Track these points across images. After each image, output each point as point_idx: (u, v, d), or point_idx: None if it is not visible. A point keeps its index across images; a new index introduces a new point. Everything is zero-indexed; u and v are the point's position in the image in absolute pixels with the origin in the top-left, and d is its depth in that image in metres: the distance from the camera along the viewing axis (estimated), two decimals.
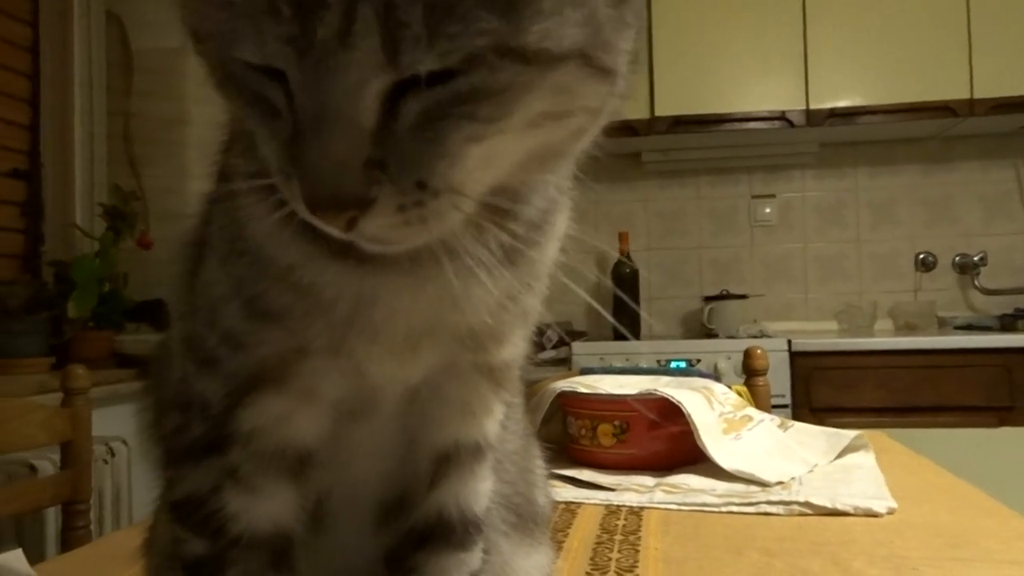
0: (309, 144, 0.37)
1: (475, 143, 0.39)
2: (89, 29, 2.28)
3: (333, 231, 0.39)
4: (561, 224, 0.52)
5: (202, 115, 2.41)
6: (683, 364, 2.64)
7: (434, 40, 0.35)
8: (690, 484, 1.00)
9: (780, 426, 1.19)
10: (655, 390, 1.08)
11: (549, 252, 0.52)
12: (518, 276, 0.49)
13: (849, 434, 1.17)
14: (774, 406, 1.85)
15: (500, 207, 0.44)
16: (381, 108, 0.37)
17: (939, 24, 2.80)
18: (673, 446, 1.08)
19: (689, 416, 1.03)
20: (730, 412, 1.11)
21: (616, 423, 1.09)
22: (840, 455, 1.12)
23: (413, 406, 0.55)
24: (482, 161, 0.40)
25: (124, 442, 1.89)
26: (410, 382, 0.53)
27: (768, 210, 3.30)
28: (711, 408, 1.08)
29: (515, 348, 0.55)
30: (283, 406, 0.50)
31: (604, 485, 1.02)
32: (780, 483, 0.99)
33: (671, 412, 1.05)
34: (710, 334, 2.98)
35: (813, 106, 2.86)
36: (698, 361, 2.66)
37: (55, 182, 2.26)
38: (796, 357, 2.59)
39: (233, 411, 0.50)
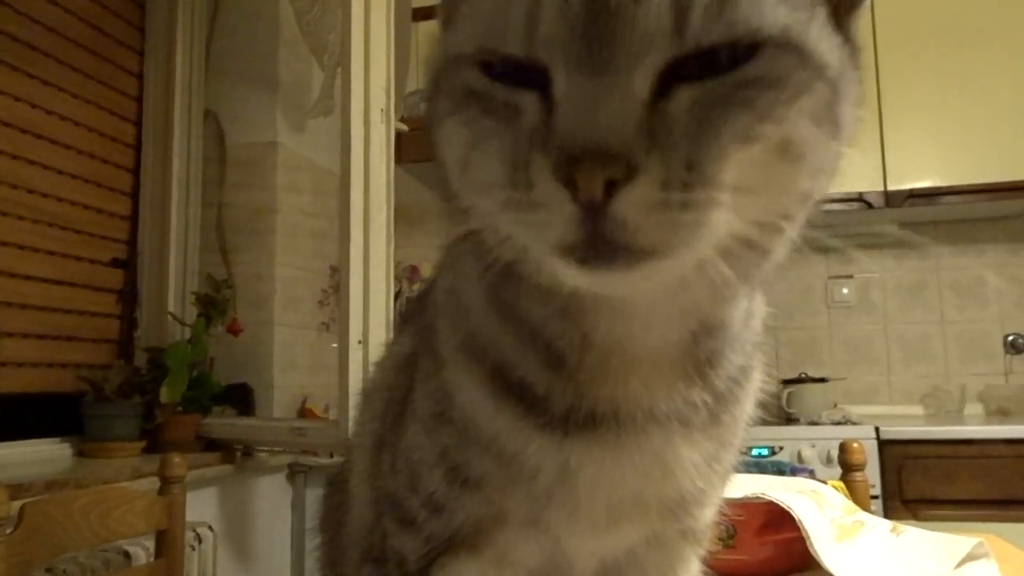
0: (578, 103, 0.35)
1: (743, 141, 0.36)
2: (189, 126, 2.41)
3: (570, 217, 0.35)
4: (757, 379, 0.52)
5: (289, 203, 2.51)
6: (764, 451, 2.57)
7: (724, 9, 0.35)
8: None
9: (892, 531, 1.14)
10: (762, 493, 1.05)
11: (747, 409, 0.51)
12: (721, 435, 0.48)
13: (968, 541, 1.11)
14: None
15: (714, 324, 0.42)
16: (656, 85, 0.36)
17: (1018, 101, 2.76)
18: (783, 552, 1.04)
19: (800, 522, 1.00)
20: (841, 517, 1.07)
21: (722, 527, 1.05)
22: (960, 564, 1.07)
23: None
24: (738, 175, 0.37)
25: (210, 528, 1.91)
26: (608, 555, 0.53)
27: (846, 291, 3.24)
28: (822, 513, 1.04)
29: (715, 508, 0.54)
30: (476, 571, 0.51)
31: None
32: None
33: (780, 517, 1.02)
34: (790, 419, 2.90)
35: (891, 187, 2.83)
36: (780, 448, 2.58)
37: (151, 271, 2.36)
38: (885, 445, 2.49)
39: (427, 570, 0.51)
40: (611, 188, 0.34)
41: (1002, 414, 2.89)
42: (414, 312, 0.58)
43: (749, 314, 0.50)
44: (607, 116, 0.35)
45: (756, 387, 0.52)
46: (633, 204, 0.35)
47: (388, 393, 0.57)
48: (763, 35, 0.36)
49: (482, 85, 0.40)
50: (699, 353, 0.45)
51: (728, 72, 0.36)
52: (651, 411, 0.45)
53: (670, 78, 0.36)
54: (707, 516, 0.54)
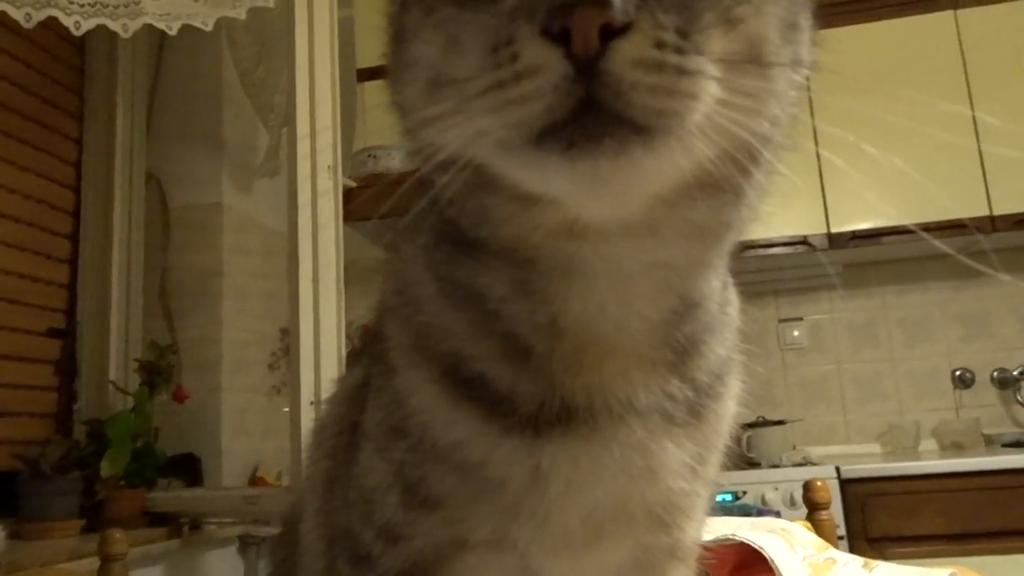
0: None
1: (726, 21, 0.37)
2: (130, 190, 2.36)
3: (561, 80, 0.33)
4: (736, 384, 0.50)
5: (236, 265, 2.46)
6: (728, 497, 2.55)
7: None
8: None
9: (865, 567, 1.12)
10: (733, 534, 1.02)
11: (729, 409, 0.49)
12: (705, 435, 0.46)
13: (940, 573, 1.10)
14: None
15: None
16: None
17: (950, 147, 2.86)
18: None
19: (773, 562, 0.97)
20: (813, 555, 1.05)
21: None
22: None
23: None
24: (722, 62, 0.37)
25: None
26: None
27: (797, 333, 3.28)
28: (794, 552, 1.02)
29: (701, 524, 0.51)
30: None
31: None
32: None
33: (752, 558, 0.99)
34: (751, 463, 2.89)
35: (834, 229, 2.89)
36: (744, 493, 2.56)
37: (91, 339, 2.28)
38: (846, 484, 2.49)
39: None
40: (606, 40, 0.33)
41: (956, 448, 2.92)
42: (367, 342, 0.55)
43: (725, 300, 0.49)
44: None
45: (738, 387, 0.51)
46: (628, 61, 0.33)
47: (338, 426, 0.54)
48: None
49: None
50: (679, 336, 0.43)
51: None
52: (630, 402, 0.42)
53: None
54: (693, 532, 0.50)
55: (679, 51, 0.34)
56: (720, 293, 0.49)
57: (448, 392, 0.43)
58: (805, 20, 0.43)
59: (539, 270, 0.42)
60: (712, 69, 0.36)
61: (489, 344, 0.43)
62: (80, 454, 2.04)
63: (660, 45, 0.34)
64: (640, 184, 0.38)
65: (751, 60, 0.38)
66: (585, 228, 0.40)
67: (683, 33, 0.35)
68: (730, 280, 0.51)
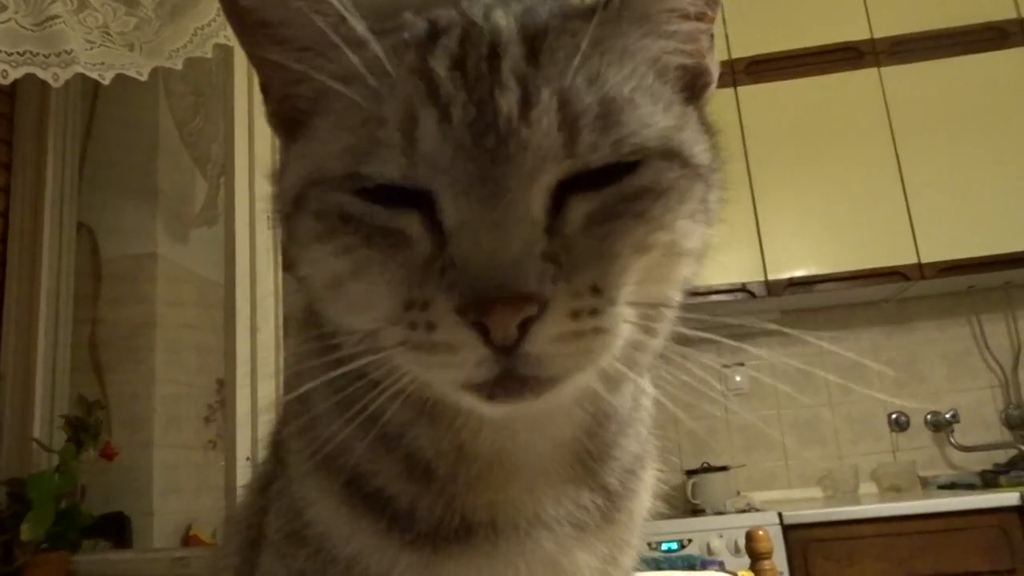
0: (478, 237, 0.33)
1: (640, 252, 0.37)
2: (60, 240, 2.29)
3: (480, 360, 0.33)
4: (652, 470, 0.49)
5: (170, 317, 2.39)
6: (674, 545, 2.54)
7: (610, 129, 0.35)
8: None
9: None
10: None
11: (644, 503, 0.49)
12: (617, 535, 0.45)
13: None
14: None
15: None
16: (551, 204, 0.35)
17: (878, 197, 2.98)
18: None
19: None
20: None
21: None
22: None
23: None
24: (637, 279, 0.37)
25: None
26: None
27: (739, 378, 3.32)
28: None
29: None
30: None
31: None
32: None
33: None
34: (696, 510, 2.89)
35: (771, 277, 2.96)
36: (689, 541, 2.55)
37: (14, 395, 2.18)
38: (789, 530, 2.51)
39: None
40: (524, 326, 0.34)
41: (894, 491, 2.97)
42: (274, 438, 0.53)
43: (638, 391, 0.49)
44: (511, 251, 0.33)
45: (652, 479, 0.50)
46: (546, 340, 0.34)
47: (247, 519, 0.52)
48: (647, 150, 0.37)
49: (358, 209, 0.37)
50: (591, 447, 0.42)
51: (616, 182, 0.37)
52: (537, 516, 0.41)
53: (562, 190, 0.36)
54: None
55: (595, 312, 0.35)
56: (631, 392, 0.49)
57: (347, 504, 0.42)
58: (717, 184, 0.44)
59: (445, 407, 0.41)
60: (628, 313, 0.37)
61: (389, 463, 0.42)
62: None
63: (577, 315, 0.35)
64: (554, 403, 0.39)
65: (663, 271, 0.40)
66: None
67: (598, 290, 0.35)
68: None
